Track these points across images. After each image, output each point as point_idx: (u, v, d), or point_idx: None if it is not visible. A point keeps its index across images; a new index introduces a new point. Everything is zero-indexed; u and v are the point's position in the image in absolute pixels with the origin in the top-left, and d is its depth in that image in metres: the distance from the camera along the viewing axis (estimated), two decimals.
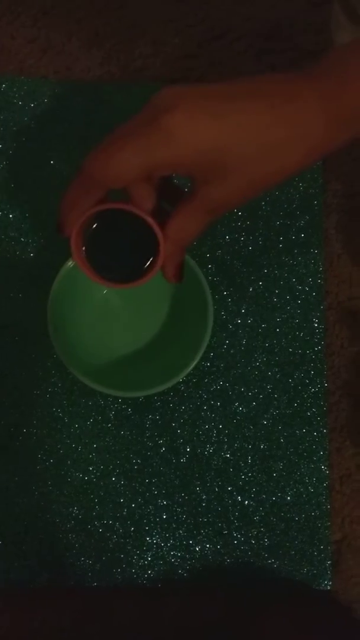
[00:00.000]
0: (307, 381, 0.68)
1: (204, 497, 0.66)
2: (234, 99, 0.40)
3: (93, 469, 0.66)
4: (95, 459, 0.66)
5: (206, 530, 0.66)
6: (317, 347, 0.68)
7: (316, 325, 0.69)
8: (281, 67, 0.73)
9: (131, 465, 0.66)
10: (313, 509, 0.67)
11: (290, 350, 0.68)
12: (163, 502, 0.66)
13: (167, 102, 0.40)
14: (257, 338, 0.69)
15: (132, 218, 0.45)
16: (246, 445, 0.67)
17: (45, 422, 0.67)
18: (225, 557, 0.66)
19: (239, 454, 0.67)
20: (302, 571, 0.66)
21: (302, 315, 0.69)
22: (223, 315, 0.69)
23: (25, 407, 0.67)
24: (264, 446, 0.67)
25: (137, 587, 0.65)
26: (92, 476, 0.66)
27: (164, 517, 0.66)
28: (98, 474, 0.66)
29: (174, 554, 0.66)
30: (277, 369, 0.68)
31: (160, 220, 0.45)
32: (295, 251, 0.70)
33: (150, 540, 0.66)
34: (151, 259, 0.47)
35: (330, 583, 0.66)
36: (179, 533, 0.66)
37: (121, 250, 0.49)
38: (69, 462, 0.66)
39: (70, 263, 0.61)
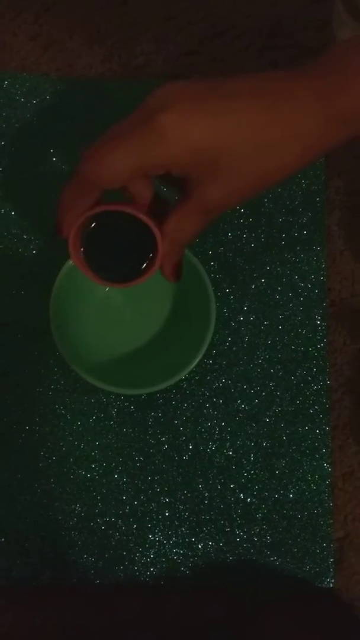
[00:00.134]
0: (310, 378, 0.68)
1: (206, 494, 0.66)
2: (230, 98, 0.40)
3: (95, 466, 0.66)
4: (97, 456, 0.66)
5: (208, 528, 0.66)
6: (320, 345, 0.68)
7: (318, 322, 0.69)
8: (283, 64, 0.73)
9: (133, 463, 0.66)
10: (315, 506, 0.66)
11: (293, 347, 0.68)
12: (165, 500, 0.66)
13: (161, 101, 0.40)
14: (259, 335, 0.68)
15: (130, 217, 0.45)
16: (248, 443, 0.67)
17: (48, 420, 0.67)
18: (228, 555, 0.66)
19: (241, 452, 0.67)
20: (304, 569, 0.66)
21: (304, 312, 0.69)
22: (225, 312, 0.68)
23: (28, 405, 0.67)
24: (266, 444, 0.67)
25: (139, 585, 0.65)
26: (95, 473, 0.66)
27: (167, 514, 0.66)
28: (100, 471, 0.66)
29: (176, 551, 0.66)
30: (279, 367, 0.68)
31: (160, 212, 0.45)
32: (298, 248, 0.69)
33: (152, 538, 0.66)
34: (149, 258, 0.47)
35: (332, 581, 0.66)
36: (182, 530, 0.66)
37: (119, 250, 0.49)
38: (71, 459, 0.66)
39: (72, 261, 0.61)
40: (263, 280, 0.69)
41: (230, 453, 0.67)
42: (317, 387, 0.68)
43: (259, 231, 0.70)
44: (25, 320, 0.68)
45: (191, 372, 0.65)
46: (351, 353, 0.69)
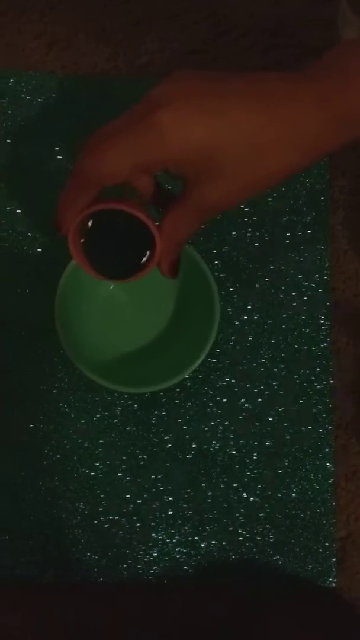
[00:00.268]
0: (313, 378, 0.68)
1: (209, 493, 0.66)
2: (229, 97, 0.40)
3: (99, 464, 0.66)
4: (101, 454, 0.66)
5: (212, 527, 0.66)
6: (323, 344, 0.68)
7: (322, 321, 0.69)
8: (287, 63, 0.73)
9: (137, 461, 0.66)
10: (318, 506, 0.67)
11: (296, 347, 0.68)
12: (169, 498, 0.66)
13: (161, 98, 0.40)
14: (263, 334, 0.69)
15: (128, 214, 0.45)
16: (252, 442, 0.67)
17: (52, 418, 0.67)
18: (231, 554, 0.66)
19: (244, 451, 0.67)
20: (307, 568, 0.66)
21: (308, 311, 0.69)
22: (229, 311, 0.69)
23: (32, 403, 0.67)
24: (269, 443, 0.67)
25: (142, 583, 0.65)
26: (98, 472, 0.66)
27: (170, 513, 0.66)
28: (104, 469, 0.66)
29: (179, 550, 0.66)
30: (282, 366, 0.68)
31: (164, 202, 0.46)
32: (302, 247, 0.69)
33: (155, 536, 0.66)
34: (148, 254, 0.48)
35: (335, 580, 0.66)
36: (185, 529, 0.66)
37: (119, 246, 0.49)
38: (75, 457, 0.66)
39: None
40: (267, 279, 0.69)
41: (234, 452, 0.67)
42: (320, 386, 0.68)
43: (263, 230, 0.70)
44: (30, 318, 0.68)
45: (195, 370, 0.65)
46: (355, 353, 0.69)
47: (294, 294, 0.69)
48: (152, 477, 0.66)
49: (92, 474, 0.66)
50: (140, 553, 0.66)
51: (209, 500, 0.66)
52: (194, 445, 0.67)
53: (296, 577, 0.66)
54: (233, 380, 0.68)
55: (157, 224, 0.46)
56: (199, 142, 0.39)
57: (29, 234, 0.69)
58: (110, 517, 0.66)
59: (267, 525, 0.66)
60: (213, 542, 0.66)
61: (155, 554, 0.66)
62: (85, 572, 0.65)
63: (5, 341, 0.68)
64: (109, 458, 0.66)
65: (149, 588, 0.65)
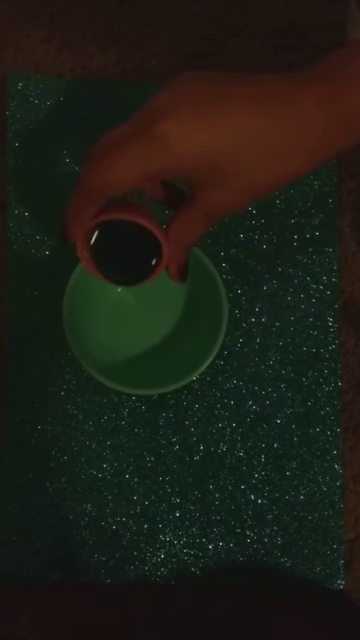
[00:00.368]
0: (321, 380, 0.68)
1: (217, 495, 0.66)
2: (232, 101, 0.39)
3: (107, 466, 0.67)
4: (109, 456, 0.67)
5: (219, 529, 0.66)
6: (331, 346, 0.68)
7: (330, 324, 0.69)
8: (297, 64, 0.73)
9: (145, 463, 0.67)
10: (326, 508, 0.67)
11: (305, 349, 0.68)
12: (176, 500, 0.66)
13: (163, 106, 0.40)
14: (271, 337, 0.69)
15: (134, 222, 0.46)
16: (260, 444, 0.67)
17: (60, 419, 0.67)
18: (238, 556, 0.66)
19: (252, 453, 0.67)
20: (315, 570, 0.66)
21: (316, 314, 0.69)
22: (237, 313, 0.69)
23: (40, 404, 0.67)
24: (277, 445, 0.67)
25: (150, 585, 0.66)
26: (106, 473, 0.67)
27: (177, 515, 0.66)
28: (112, 471, 0.67)
29: (186, 551, 0.66)
30: (291, 368, 0.68)
31: (176, 202, 0.46)
32: (310, 249, 0.69)
33: (163, 538, 0.66)
34: (156, 259, 0.48)
35: (343, 582, 0.66)
36: (192, 531, 0.66)
37: (127, 251, 0.49)
38: (82, 459, 0.67)
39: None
40: (275, 281, 0.69)
41: (242, 454, 0.67)
42: (328, 388, 0.68)
43: (271, 232, 0.70)
44: (38, 320, 0.68)
45: (202, 373, 0.65)
46: None
47: (302, 296, 0.69)
48: (160, 478, 0.67)
49: (100, 475, 0.66)
50: (148, 554, 0.66)
51: (217, 502, 0.66)
52: (201, 447, 0.67)
53: (304, 579, 0.66)
54: (241, 383, 0.68)
55: (164, 227, 0.46)
56: (203, 147, 0.39)
57: (37, 237, 0.69)
58: (118, 519, 0.66)
59: (275, 527, 0.66)
60: (221, 543, 0.66)
61: (162, 556, 0.66)
62: (92, 574, 0.65)
63: (13, 343, 0.68)
64: (117, 460, 0.67)
65: (157, 589, 0.65)
